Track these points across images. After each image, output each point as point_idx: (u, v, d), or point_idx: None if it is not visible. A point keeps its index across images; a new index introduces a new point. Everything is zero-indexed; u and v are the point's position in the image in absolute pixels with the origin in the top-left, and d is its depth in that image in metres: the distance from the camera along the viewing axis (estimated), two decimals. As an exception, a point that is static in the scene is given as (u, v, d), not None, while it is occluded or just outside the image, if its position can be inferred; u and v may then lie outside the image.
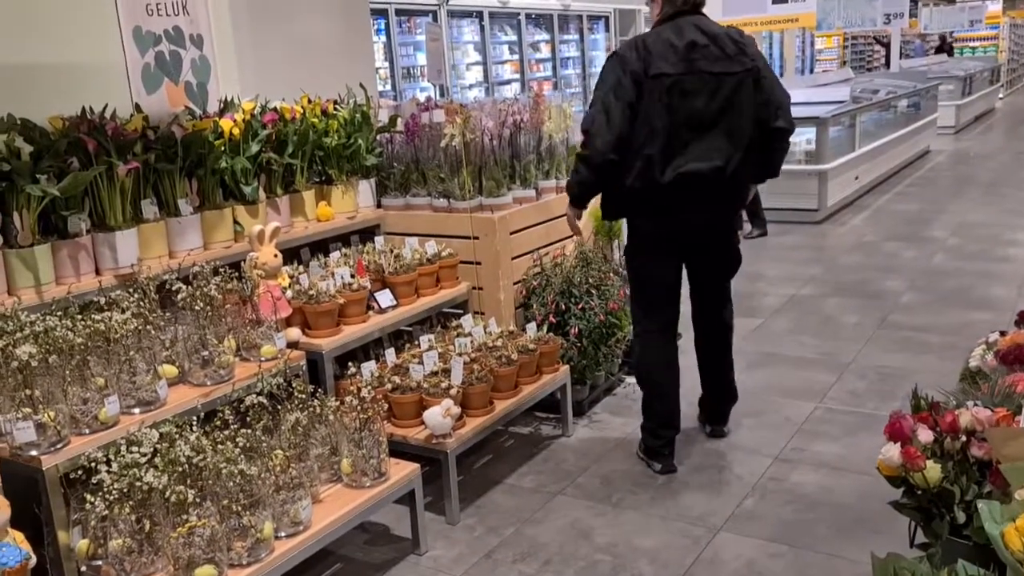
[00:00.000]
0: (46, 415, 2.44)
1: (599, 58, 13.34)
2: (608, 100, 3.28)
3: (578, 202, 3.63)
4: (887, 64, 17.67)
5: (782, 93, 3.48)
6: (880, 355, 4.74)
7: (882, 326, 5.23)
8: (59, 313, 2.77)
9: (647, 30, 3.56)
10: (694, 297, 3.78)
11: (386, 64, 9.69)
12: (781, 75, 20.42)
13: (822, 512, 3.20)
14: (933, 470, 2.01)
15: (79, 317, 2.76)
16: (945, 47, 20.82)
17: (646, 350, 3.66)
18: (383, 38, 9.59)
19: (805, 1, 9.19)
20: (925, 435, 2.09)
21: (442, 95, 9.84)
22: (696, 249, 3.59)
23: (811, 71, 20.87)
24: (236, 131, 3.54)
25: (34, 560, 2.14)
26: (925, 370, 4.40)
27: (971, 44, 22.38)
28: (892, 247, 7.24)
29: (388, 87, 9.67)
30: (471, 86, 10.99)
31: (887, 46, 18.68)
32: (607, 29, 13.34)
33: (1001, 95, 20.74)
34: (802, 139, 8.52)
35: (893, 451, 2.06)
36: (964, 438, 2.07)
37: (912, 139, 11.64)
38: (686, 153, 3.29)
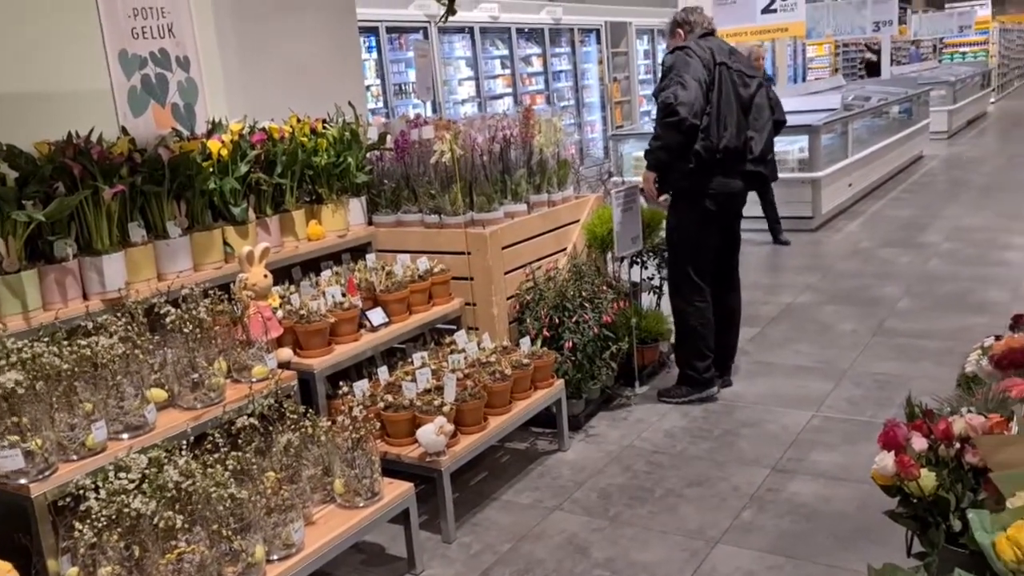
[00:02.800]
0: (33, 443, 2.41)
1: (591, 71, 13.35)
2: (684, 78, 4.02)
3: (659, 167, 4.24)
4: (878, 71, 17.71)
5: None
6: (877, 362, 4.73)
7: (879, 333, 5.21)
8: (46, 339, 2.75)
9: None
10: (720, 262, 4.42)
11: (378, 81, 9.69)
12: (774, 83, 20.49)
13: (821, 522, 3.17)
14: (928, 478, 1.98)
15: (66, 343, 2.74)
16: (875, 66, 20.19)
17: (699, 298, 4.32)
18: (374, 55, 9.59)
19: (794, 11, 9.23)
20: (919, 443, 2.06)
21: (434, 111, 9.85)
22: (733, 215, 4.41)
23: (803, 79, 20.92)
24: (224, 152, 3.53)
25: (21, 590, 2.11)
26: (922, 376, 4.38)
27: (961, 49, 22.47)
28: (888, 253, 7.23)
29: (380, 104, 9.67)
30: (464, 101, 10.98)
31: (878, 53, 18.73)
32: (599, 42, 13.35)
33: (993, 99, 20.79)
34: (795, 147, 8.52)
35: (887, 460, 2.04)
36: (958, 445, 2.05)
37: (905, 145, 11.66)
38: (741, 128, 4.15)
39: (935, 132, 14.05)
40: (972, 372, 2.58)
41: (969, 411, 2.11)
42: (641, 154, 9.25)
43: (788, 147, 8.57)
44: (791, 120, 8.87)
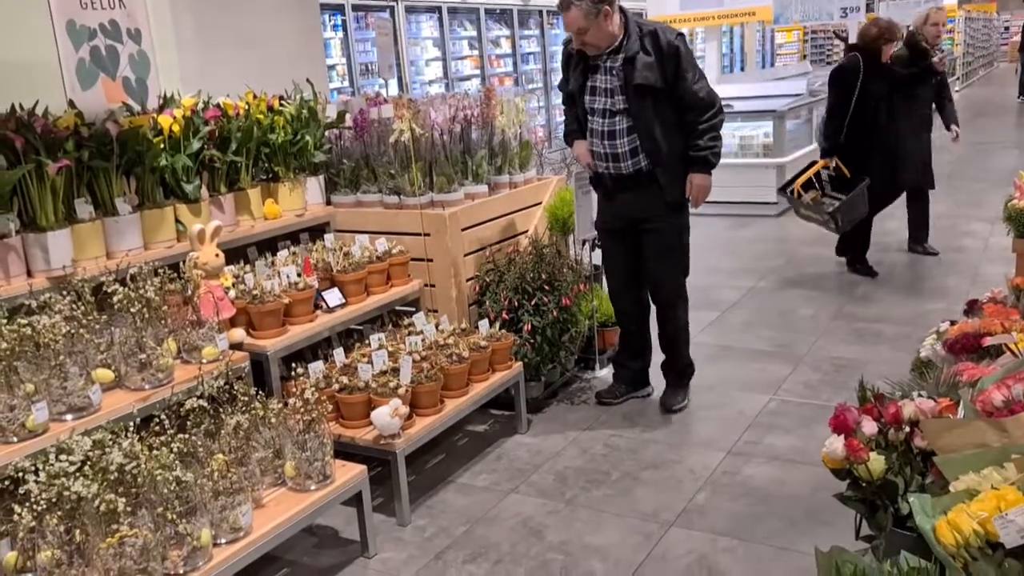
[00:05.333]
0: (-30, 424, 2.34)
1: (559, 53, 13.28)
2: (703, 72, 3.81)
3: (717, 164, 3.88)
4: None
5: None
6: (835, 346, 4.76)
7: (838, 317, 5.25)
8: (-14, 317, 2.66)
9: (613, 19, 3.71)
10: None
11: (344, 60, 9.57)
12: (742, 68, 20.55)
13: (774, 505, 3.18)
14: (876, 462, 1.99)
15: (6, 322, 2.65)
16: None
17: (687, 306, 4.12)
18: (340, 34, 9.45)
19: (762, -5, 9.24)
20: (869, 427, 2.07)
21: (401, 91, 9.74)
22: None
23: (772, 65, 21.02)
24: (176, 127, 3.44)
25: (-46, 575, 2.05)
26: (879, 360, 4.42)
27: (927, 38, 22.62)
28: (849, 239, 7.26)
29: (346, 83, 9.55)
30: (431, 82, 10.87)
31: (846, 40, 18.84)
32: (568, 24, 13.29)
33: (958, 87, 21.03)
34: (759, 132, 8.55)
35: (837, 444, 2.04)
36: (908, 429, 2.05)
37: (870, 132, 11.72)
38: None
39: (899, 119, 14.15)
40: (926, 357, 2.60)
41: (920, 395, 2.12)
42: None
43: (753, 132, 8.61)
44: (756, 105, 8.95)
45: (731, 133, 8.55)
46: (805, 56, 20.95)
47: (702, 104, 3.72)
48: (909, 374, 2.59)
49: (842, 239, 6.28)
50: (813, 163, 5.97)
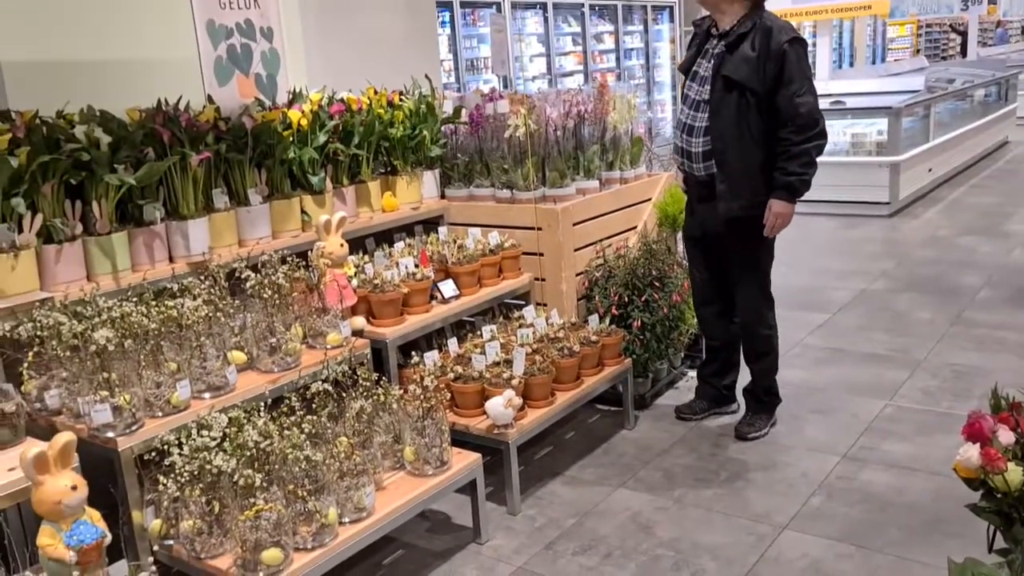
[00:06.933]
0: (122, 398, 2.51)
1: (662, 49, 13.14)
2: (814, 88, 3.48)
3: (804, 193, 3.56)
4: (963, 53, 17.03)
5: None
6: (955, 352, 4.59)
7: (957, 323, 5.06)
8: (135, 299, 2.85)
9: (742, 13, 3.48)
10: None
11: (450, 56, 9.72)
12: (851, 64, 19.89)
13: (893, 513, 3.11)
14: (1014, 473, 1.94)
15: (153, 303, 2.83)
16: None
17: (775, 318, 3.85)
18: (447, 30, 9.61)
19: (879, -12, 8.93)
20: (1006, 436, 2.02)
21: (506, 86, 9.84)
22: None
23: (882, 60, 20.29)
24: (304, 122, 3.59)
25: (109, 538, 2.20)
26: (1002, 368, 4.25)
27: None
28: (968, 241, 6.99)
29: (452, 79, 9.70)
30: (534, 78, 10.93)
31: (963, 34, 17.99)
32: (671, 20, 13.12)
33: None
34: (873, 130, 8.29)
35: (972, 452, 2.00)
36: (1047, 440, 1.99)
37: (990, 129, 11.23)
38: None
39: (1023, 117, 13.49)
40: (1060, 366, 2.50)
41: (1059, 406, 2.05)
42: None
43: (866, 129, 8.36)
44: (870, 102, 8.69)
45: (842, 130, 8.32)
46: (919, 51, 20.12)
47: (800, 120, 3.37)
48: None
49: None
50: None
